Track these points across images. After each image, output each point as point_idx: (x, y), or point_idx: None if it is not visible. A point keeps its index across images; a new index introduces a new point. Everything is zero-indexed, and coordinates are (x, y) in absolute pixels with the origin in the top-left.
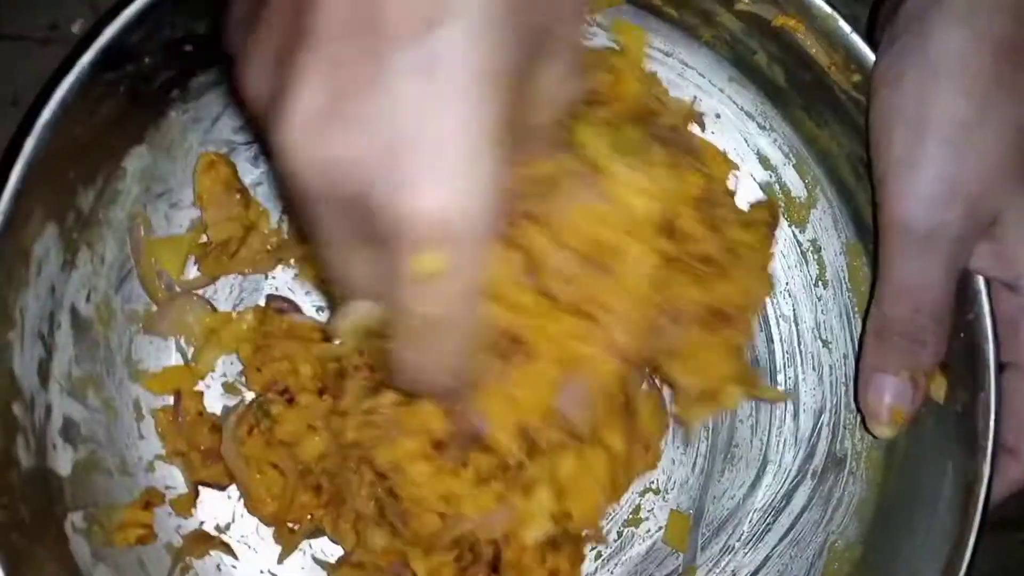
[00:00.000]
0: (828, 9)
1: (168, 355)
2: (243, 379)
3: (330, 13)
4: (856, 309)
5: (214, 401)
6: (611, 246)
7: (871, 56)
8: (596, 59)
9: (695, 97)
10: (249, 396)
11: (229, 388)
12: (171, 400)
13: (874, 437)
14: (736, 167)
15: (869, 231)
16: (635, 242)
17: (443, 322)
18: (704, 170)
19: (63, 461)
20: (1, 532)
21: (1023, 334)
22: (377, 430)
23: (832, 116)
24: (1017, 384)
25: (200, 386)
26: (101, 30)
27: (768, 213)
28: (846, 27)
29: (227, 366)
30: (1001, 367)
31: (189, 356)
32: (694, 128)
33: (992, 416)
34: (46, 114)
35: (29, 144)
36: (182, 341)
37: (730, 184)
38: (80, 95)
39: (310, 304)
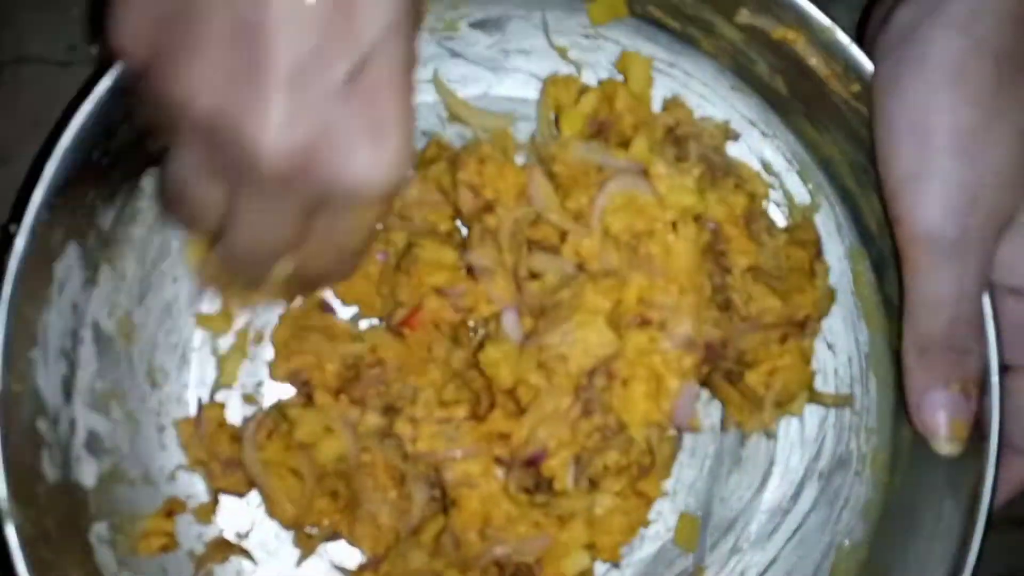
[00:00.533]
0: (827, 21)
1: (187, 369)
2: (261, 391)
3: None
4: (860, 313)
5: (234, 412)
6: (654, 236)
7: (869, 66)
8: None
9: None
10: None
11: (248, 399)
12: (193, 412)
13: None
14: (772, 186)
15: (871, 237)
16: (679, 234)
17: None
18: (747, 188)
19: (87, 473)
20: (28, 545)
21: None
22: (449, 442)
23: (833, 124)
24: (1022, 385)
25: (221, 397)
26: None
27: (812, 231)
28: (844, 38)
29: (246, 377)
30: (1006, 369)
31: (210, 368)
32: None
33: (996, 417)
34: (66, 139)
35: (50, 168)
36: (207, 352)
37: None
38: (98, 120)
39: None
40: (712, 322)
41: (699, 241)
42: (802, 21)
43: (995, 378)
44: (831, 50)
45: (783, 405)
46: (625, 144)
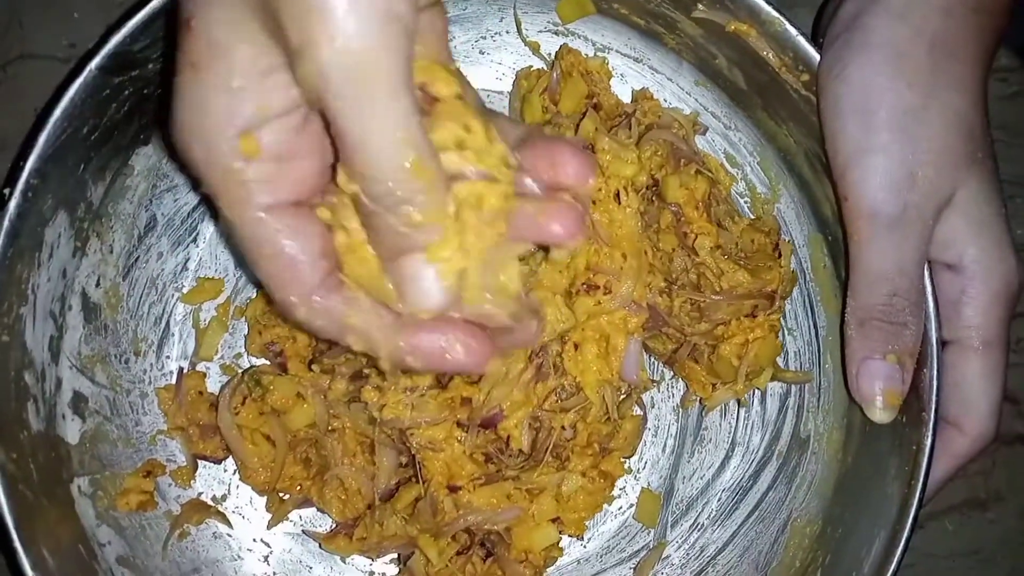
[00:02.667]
0: (775, 14)
1: (170, 339)
2: (239, 362)
3: None
4: (819, 298)
5: (213, 382)
6: (599, 205)
7: (816, 56)
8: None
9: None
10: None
11: (227, 369)
12: (174, 380)
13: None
14: (736, 179)
15: (828, 224)
16: (622, 203)
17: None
18: (710, 175)
19: (71, 431)
20: (10, 482)
21: (964, 313)
22: (415, 411)
23: (788, 115)
24: (958, 360)
25: (201, 367)
26: (108, 38)
27: (771, 222)
28: (792, 30)
29: (225, 349)
30: (943, 344)
31: (191, 340)
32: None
33: (934, 391)
34: (57, 113)
35: (41, 139)
36: (189, 325)
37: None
38: (89, 96)
39: None
40: (658, 291)
41: (640, 211)
42: (753, 15)
43: (935, 351)
44: (781, 41)
45: (753, 377)
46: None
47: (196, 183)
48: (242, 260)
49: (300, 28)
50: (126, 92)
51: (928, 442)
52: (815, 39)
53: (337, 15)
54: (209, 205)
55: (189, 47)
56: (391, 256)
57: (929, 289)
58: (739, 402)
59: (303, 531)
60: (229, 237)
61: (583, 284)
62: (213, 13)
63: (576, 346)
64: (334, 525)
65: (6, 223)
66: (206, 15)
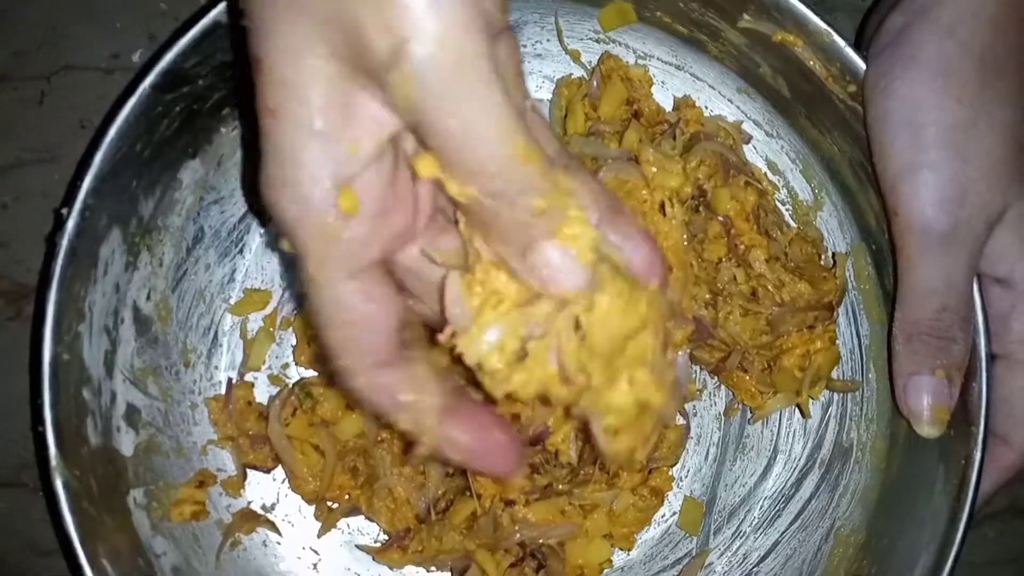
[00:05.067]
0: (823, 25)
1: (218, 350)
2: (287, 372)
3: None
4: (861, 307)
5: (261, 392)
6: (644, 217)
7: (864, 67)
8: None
9: (739, 119)
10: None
11: (274, 380)
12: (223, 391)
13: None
14: (778, 187)
15: (871, 233)
16: (667, 214)
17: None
18: (758, 185)
19: (126, 443)
20: (75, 499)
21: (1013, 328)
22: None
23: (833, 123)
24: (1006, 375)
25: (249, 377)
26: (161, 56)
27: (813, 229)
28: (840, 41)
29: (273, 360)
30: (992, 358)
31: (239, 351)
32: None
33: (983, 404)
34: (112, 132)
35: (97, 158)
36: (237, 335)
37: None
38: (142, 114)
39: None
40: (703, 303)
41: (685, 222)
42: (800, 25)
43: (984, 365)
44: (828, 52)
45: (815, 385)
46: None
47: (277, 236)
48: (290, 272)
49: (386, 30)
50: (177, 108)
51: (978, 456)
52: (858, 47)
53: (421, 10)
54: (261, 218)
55: (264, 91)
56: (521, 251)
57: (978, 303)
58: (802, 412)
59: (356, 546)
60: (306, 294)
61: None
62: (276, 46)
63: None
64: (382, 534)
65: (65, 243)
66: (271, 50)
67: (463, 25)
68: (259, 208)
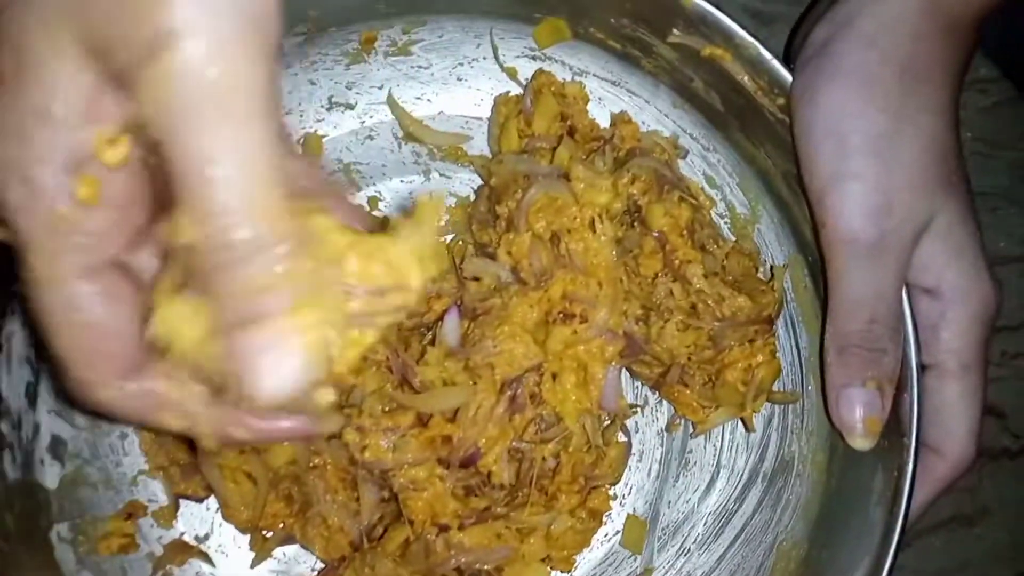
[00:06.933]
0: (750, 38)
1: None
2: None
3: None
4: (800, 319)
5: None
6: (574, 234)
7: (791, 80)
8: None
9: (674, 135)
10: None
11: None
12: None
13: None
14: (715, 201)
15: (807, 244)
16: (597, 231)
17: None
18: (693, 201)
19: (50, 476)
20: None
21: (942, 337)
22: (396, 452)
23: (765, 136)
24: (937, 385)
25: None
26: None
27: (750, 242)
28: (767, 54)
29: None
30: (923, 369)
31: None
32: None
33: (915, 415)
34: None
35: None
36: None
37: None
38: None
39: None
40: (634, 319)
41: (616, 239)
42: (728, 39)
43: (915, 376)
44: (756, 66)
45: (757, 398)
46: (586, 141)
47: None
48: None
49: (133, 27)
50: None
51: (910, 467)
52: (788, 60)
53: (182, 12)
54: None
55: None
56: (231, 327)
57: (908, 313)
58: (746, 426)
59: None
60: (28, 295)
61: (559, 313)
62: (29, 13)
63: (554, 376)
64: (319, 562)
65: None
66: (21, 14)
67: (232, 40)
68: None
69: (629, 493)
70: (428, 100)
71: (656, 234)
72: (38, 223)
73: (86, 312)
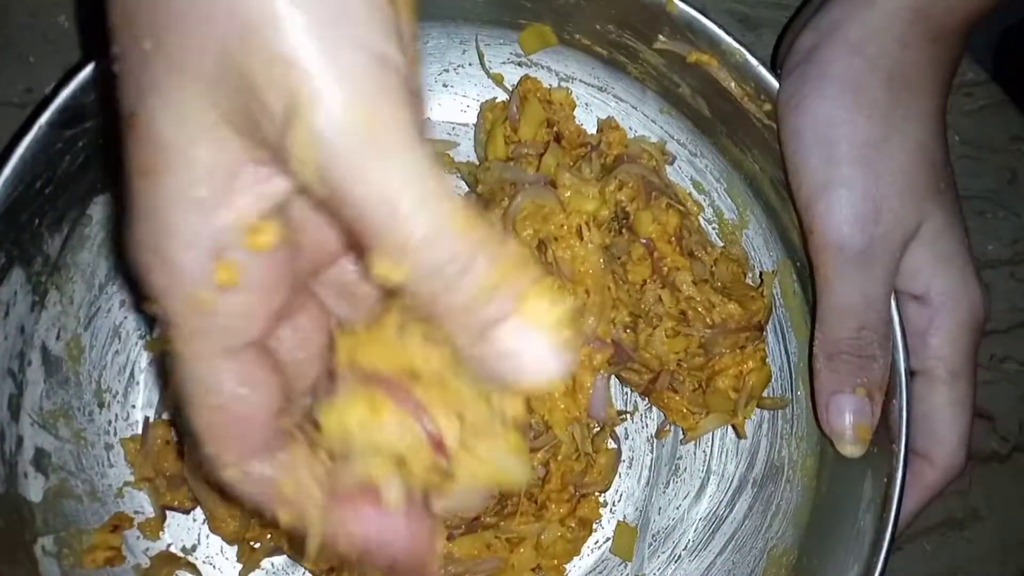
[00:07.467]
0: (736, 44)
1: (135, 389)
2: None
3: None
4: (789, 324)
5: None
6: (561, 241)
7: (777, 86)
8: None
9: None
10: None
11: None
12: (139, 430)
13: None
14: (703, 207)
15: (796, 250)
16: (584, 238)
17: None
18: (680, 207)
19: (34, 489)
20: None
21: (931, 344)
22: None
23: (752, 142)
24: (925, 391)
25: (168, 415)
26: (59, 91)
27: (738, 248)
28: (753, 60)
29: None
30: (911, 375)
31: (157, 388)
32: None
33: (904, 421)
34: (7, 171)
35: None
36: (154, 373)
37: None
38: (40, 152)
39: None
40: (622, 326)
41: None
42: (714, 45)
43: (904, 382)
44: (742, 72)
45: (748, 405)
46: (573, 148)
47: (141, 298)
48: None
49: (285, 90)
50: (79, 144)
51: (899, 473)
52: (775, 66)
53: (324, 68)
54: (127, 277)
55: (137, 150)
56: (473, 341)
57: (896, 320)
58: (738, 433)
59: None
60: (172, 369)
61: None
62: (158, 105)
63: None
64: (308, 573)
65: None
66: (150, 109)
67: (371, 84)
68: (126, 268)
69: (619, 500)
70: None
71: (644, 241)
72: (179, 305)
73: (221, 393)
